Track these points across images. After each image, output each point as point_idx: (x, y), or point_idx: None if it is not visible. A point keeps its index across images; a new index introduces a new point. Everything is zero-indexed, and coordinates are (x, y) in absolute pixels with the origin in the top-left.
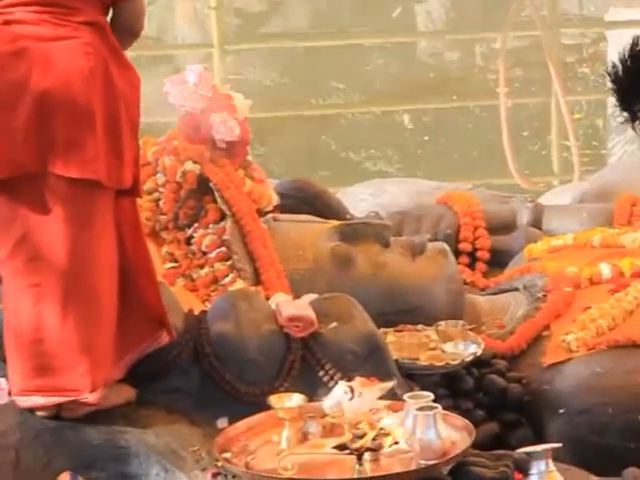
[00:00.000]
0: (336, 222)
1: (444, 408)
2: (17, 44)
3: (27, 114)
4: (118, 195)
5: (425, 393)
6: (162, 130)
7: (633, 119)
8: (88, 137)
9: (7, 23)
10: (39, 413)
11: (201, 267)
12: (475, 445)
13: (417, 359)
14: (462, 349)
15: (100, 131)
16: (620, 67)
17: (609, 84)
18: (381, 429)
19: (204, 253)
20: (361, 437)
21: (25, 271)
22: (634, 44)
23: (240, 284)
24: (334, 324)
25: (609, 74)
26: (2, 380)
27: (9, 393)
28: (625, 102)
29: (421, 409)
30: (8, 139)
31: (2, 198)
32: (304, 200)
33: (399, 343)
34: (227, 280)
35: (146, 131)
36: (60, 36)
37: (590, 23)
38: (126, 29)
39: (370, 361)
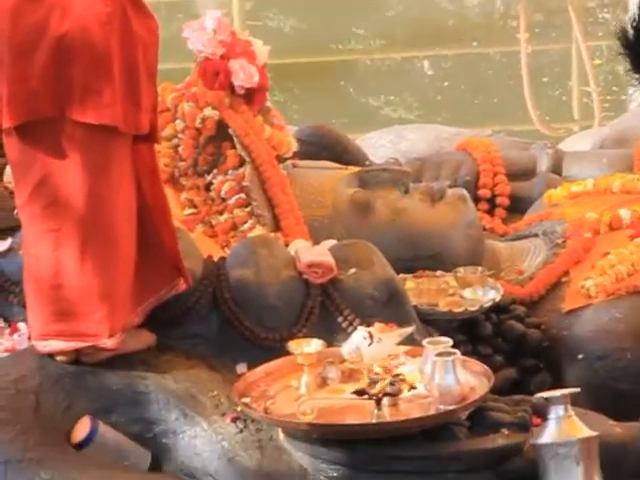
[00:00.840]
0: (355, 168)
1: (463, 354)
2: None
3: (44, 59)
4: (136, 141)
5: (444, 339)
6: (181, 76)
7: None
8: (105, 83)
9: None
10: (59, 358)
11: (220, 213)
12: (494, 390)
13: (436, 305)
14: (481, 295)
15: (117, 77)
16: (630, 32)
17: (621, 48)
18: (400, 374)
19: (223, 199)
20: (379, 382)
21: (43, 216)
22: None
23: (259, 230)
24: (353, 270)
25: (619, 39)
26: (22, 325)
27: (29, 338)
28: (637, 65)
29: (440, 355)
30: (25, 84)
31: (20, 144)
32: (323, 146)
33: (418, 289)
34: (246, 226)
35: (165, 77)
36: None
37: None
38: None
39: (389, 307)
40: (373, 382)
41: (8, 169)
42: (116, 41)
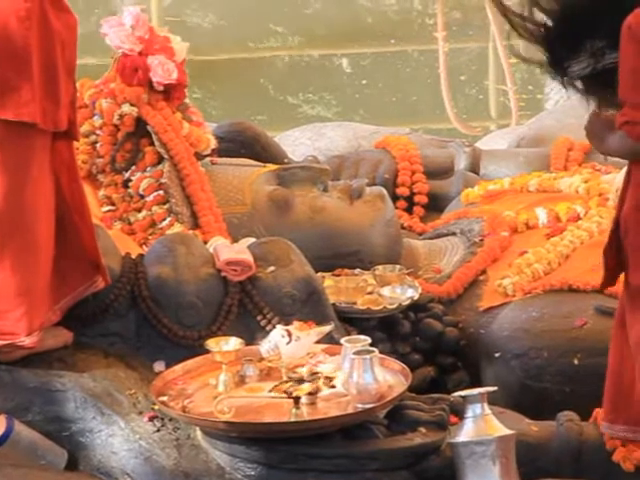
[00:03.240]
0: (274, 166)
1: (381, 352)
2: None
3: None
4: (54, 138)
5: (362, 337)
6: (99, 72)
7: (562, 75)
8: (24, 79)
9: None
10: None
11: (138, 210)
12: (412, 389)
13: (354, 303)
14: (399, 293)
15: (36, 73)
16: (550, 27)
17: (538, 45)
18: (318, 372)
19: (141, 196)
20: (298, 381)
21: None
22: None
23: (178, 228)
24: (272, 268)
25: (537, 35)
26: None
27: None
28: (555, 61)
29: (358, 353)
30: None
31: None
32: (242, 144)
33: (337, 287)
34: (165, 224)
35: (83, 73)
36: None
37: None
38: None
39: (308, 305)
40: (292, 381)
41: None
42: (35, 37)
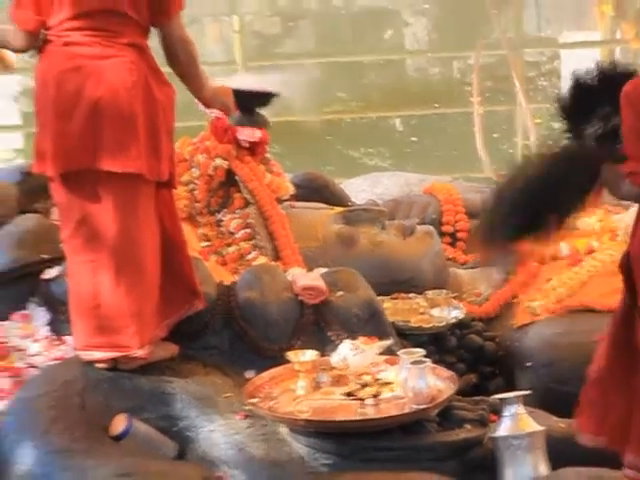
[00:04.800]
0: (340, 208)
1: (432, 362)
2: (74, 62)
3: (81, 120)
4: (158, 186)
5: (416, 350)
6: (196, 132)
7: (578, 137)
8: (132, 139)
9: (66, 45)
10: (99, 365)
11: (229, 245)
12: (458, 392)
13: (409, 322)
14: (446, 313)
15: (142, 134)
16: (566, 100)
17: (557, 112)
18: (380, 379)
19: (232, 234)
20: (364, 386)
21: (84, 249)
22: (576, 80)
23: (262, 260)
24: (341, 293)
25: (557, 103)
26: (68, 337)
27: (74, 349)
28: (572, 127)
29: (413, 363)
30: (66, 140)
31: (62, 189)
32: (314, 190)
33: (394, 308)
34: (251, 256)
35: (182, 133)
36: (108, 55)
37: (547, 44)
38: (169, 52)
39: (370, 323)
40: (359, 386)
41: (55, 209)
42: (140, 105)
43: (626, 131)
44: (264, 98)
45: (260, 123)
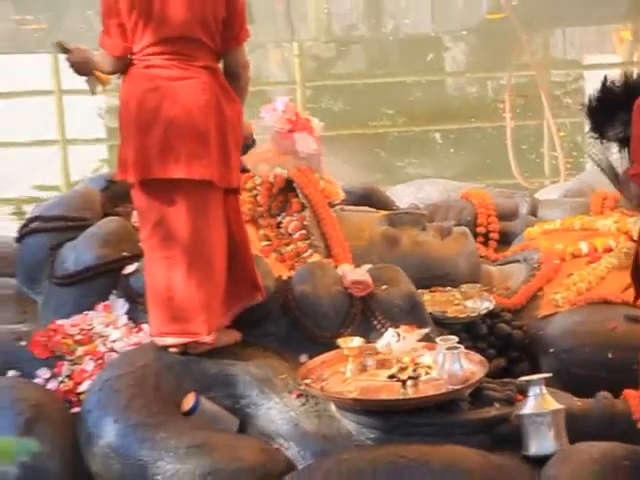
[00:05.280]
0: (386, 212)
1: (465, 348)
2: (153, 83)
3: (159, 134)
4: (226, 192)
5: (451, 337)
6: (259, 144)
7: (602, 138)
8: (204, 150)
9: (147, 67)
10: (171, 350)
11: (287, 245)
12: (488, 375)
13: (445, 312)
14: (479, 305)
15: (213, 146)
16: (593, 101)
17: (585, 114)
18: (419, 363)
19: (290, 234)
20: (405, 369)
21: (160, 247)
22: (604, 84)
23: (316, 257)
24: (385, 286)
25: (585, 106)
26: (145, 326)
27: (150, 335)
28: (596, 126)
29: (449, 348)
30: (145, 151)
31: (141, 194)
32: (362, 196)
33: (432, 300)
34: (306, 254)
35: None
36: (184, 77)
37: (572, 65)
38: (233, 76)
39: (411, 314)
40: (400, 369)
41: (135, 212)
42: (211, 120)
43: (634, 138)
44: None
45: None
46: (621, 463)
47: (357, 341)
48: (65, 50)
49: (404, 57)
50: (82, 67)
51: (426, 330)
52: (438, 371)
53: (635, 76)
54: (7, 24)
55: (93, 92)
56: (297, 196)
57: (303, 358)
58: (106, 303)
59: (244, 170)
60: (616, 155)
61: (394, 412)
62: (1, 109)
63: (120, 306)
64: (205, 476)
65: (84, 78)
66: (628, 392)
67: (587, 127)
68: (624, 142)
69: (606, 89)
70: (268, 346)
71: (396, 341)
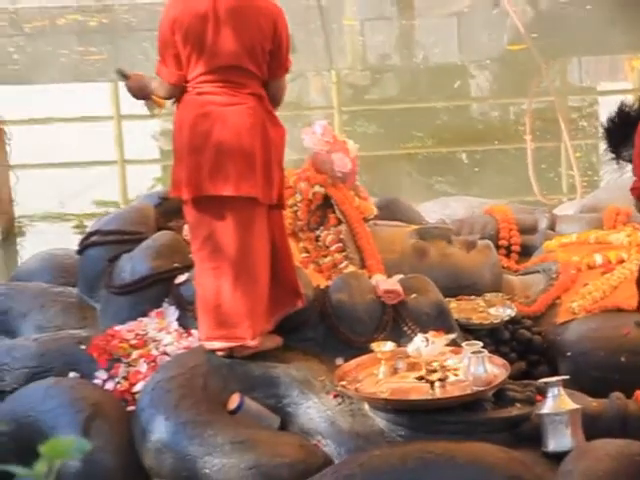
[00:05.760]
0: (415, 226)
1: (489, 352)
2: (205, 109)
3: (210, 156)
4: (269, 208)
5: (476, 342)
6: (300, 164)
7: (617, 157)
8: (250, 170)
9: (199, 94)
10: (219, 353)
11: (325, 256)
12: (510, 377)
13: (470, 319)
14: (501, 312)
15: (258, 166)
16: (610, 123)
17: (601, 136)
18: (447, 366)
19: (327, 247)
20: (433, 371)
21: (209, 259)
22: (620, 108)
23: (351, 268)
24: (414, 295)
25: (602, 129)
26: (194, 331)
27: (199, 340)
28: (612, 146)
29: (474, 353)
30: (197, 172)
31: (193, 210)
32: (395, 211)
33: (458, 308)
34: (342, 265)
35: (290, 164)
36: (233, 103)
37: (587, 92)
38: (272, 99)
39: (439, 320)
40: (429, 371)
41: (186, 227)
42: (257, 142)
43: (635, 155)
44: None
45: None
46: (635, 459)
47: (389, 345)
48: (124, 76)
49: (433, 84)
50: (139, 92)
51: (453, 335)
52: (464, 374)
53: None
54: (72, 55)
55: (151, 114)
56: (334, 212)
57: (339, 361)
58: (159, 310)
59: None
60: (630, 174)
61: (422, 411)
62: (66, 132)
63: (172, 313)
64: (248, 470)
65: (142, 102)
66: (639, 393)
67: (602, 148)
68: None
69: (621, 113)
70: (307, 350)
71: (425, 346)
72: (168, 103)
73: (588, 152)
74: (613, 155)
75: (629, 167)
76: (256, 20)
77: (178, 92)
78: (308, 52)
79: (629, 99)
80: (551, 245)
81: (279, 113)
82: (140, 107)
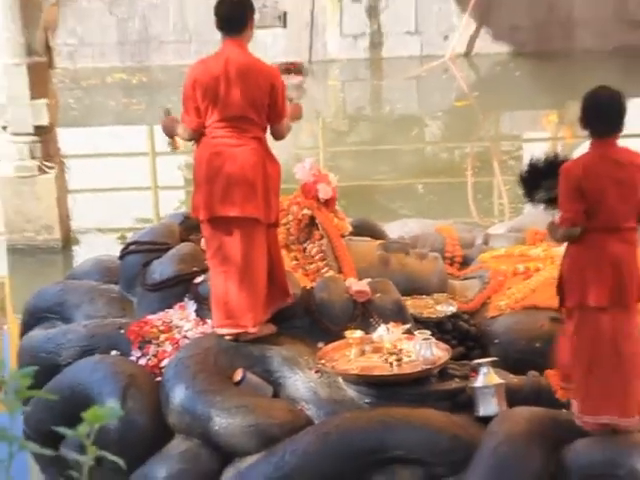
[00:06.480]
0: (381, 241)
1: (435, 339)
2: (217, 148)
3: (221, 185)
4: (267, 226)
5: (426, 331)
6: (293, 191)
7: (532, 201)
8: (252, 197)
9: (214, 137)
10: (227, 338)
11: (311, 264)
12: (451, 359)
13: (422, 313)
14: (445, 308)
15: (259, 194)
16: (523, 174)
17: (518, 184)
18: (403, 349)
19: (312, 256)
20: (392, 353)
21: (220, 265)
22: (530, 161)
23: (331, 273)
24: (379, 294)
25: (518, 177)
26: (209, 320)
27: (212, 327)
28: (527, 192)
29: (423, 339)
30: (211, 198)
31: (208, 227)
32: (365, 229)
33: (412, 305)
34: (324, 271)
35: (285, 191)
36: (239, 144)
37: (515, 139)
38: (276, 136)
39: (397, 314)
40: (389, 353)
41: (203, 240)
42: (258, 176)
43: (560, 195)
44: None
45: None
46: (545, 422)
47: (359, 333)
48: (168, 113)
49: (397, 131)
50: (168, 130)
51: (407, 326)
52: (415, 355)
53: (552, 154)
54: (118, 105)
55: (172, 150)
56: (318, 229)
57: (320, 345)
58: (181, 304)
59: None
60: (542, 211)
61: (384, 384)
62: (112, 164)
63: (191, 306)
64: (248, 428)
65: (167, 140)
66: (549, 372)
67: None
68: (547, 202)
69: (532, 165)
70: (295, 336)
71: (386, 334)
72: (182, 144)
73: (514, 186)
74: (529, 198)
75: (542, 207)
76: (257, 81)
77: (197, 135)
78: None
79: (543, 147)
80: (485, 257)
81: (277, 152)
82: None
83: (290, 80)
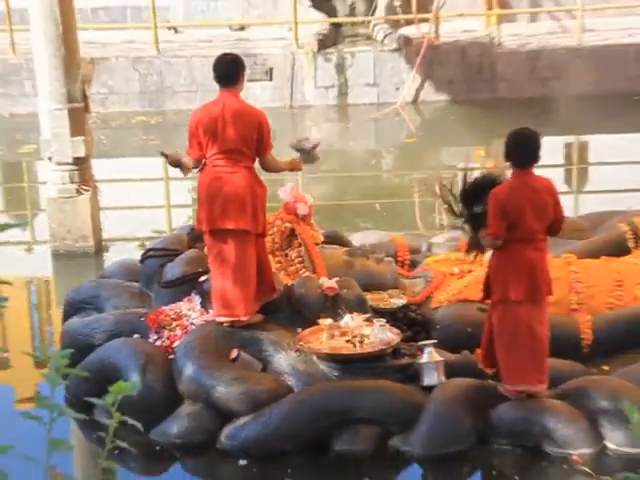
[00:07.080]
0: (347, 248)
1: (389, 325)
2: (216, 174)
3: (220, 203)
4: (257, 236)
5: (382, 319)
6: (277, 208)
7: (469, 213)
8: (244, 213)
9: (214, 166)
10: (225, 324)
11: (291, 266)
12: (402, 340)
13: (379, 305)
14: (397, 301)
15: (249, 210)
16: (467, 188)
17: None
18: (364, 333)
19: (292, 260)
20: (355, 336)
21: (219, 267)
22: (469, 181)
23: (307, 274)
24: (345, 290)
25: (460, 192)
26: (211, 310)
27: (214, 315)
28: (465, 206)
29: (380, 325)
30: (211, 213)
31: (209, 237)
32: (334, 239)
33: (372, 298)
34: (302, 272)
35: (271, 209)
36: (234, 171)
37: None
38: (266, 168)
39: (360, 306)
40: (353, 336)
41: (206, 247)
42: (248, 196)
43: (489, 212)
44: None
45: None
46: (474, 390)
47: (329, 321)
48: (164, 155)
49: (359, 162)
50: (174, 163)
51: (367, 315)
52: (373, 338)
53: (488, 175)
54: (139, 141)
55: (184, 175)
56: (297, 239)
57: (299, 330)
58: (189, 297)
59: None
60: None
61: (349, 361)
62: (134, 188)
63: (197, 299)
64: (242, 395)
65: (178, 168)
66: (478, 351)
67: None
68: (482, 215)
69: (471, 184)
70: (279, 323)
71: (351, 321)
72: (194, 171)
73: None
74: (467, 212)
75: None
76: (247, 121)
77: (200, 165)
78: (284, 138)
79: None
80: (428, 261)
81: (264, 177)
82: (177, 172)
83: (305, 146)
